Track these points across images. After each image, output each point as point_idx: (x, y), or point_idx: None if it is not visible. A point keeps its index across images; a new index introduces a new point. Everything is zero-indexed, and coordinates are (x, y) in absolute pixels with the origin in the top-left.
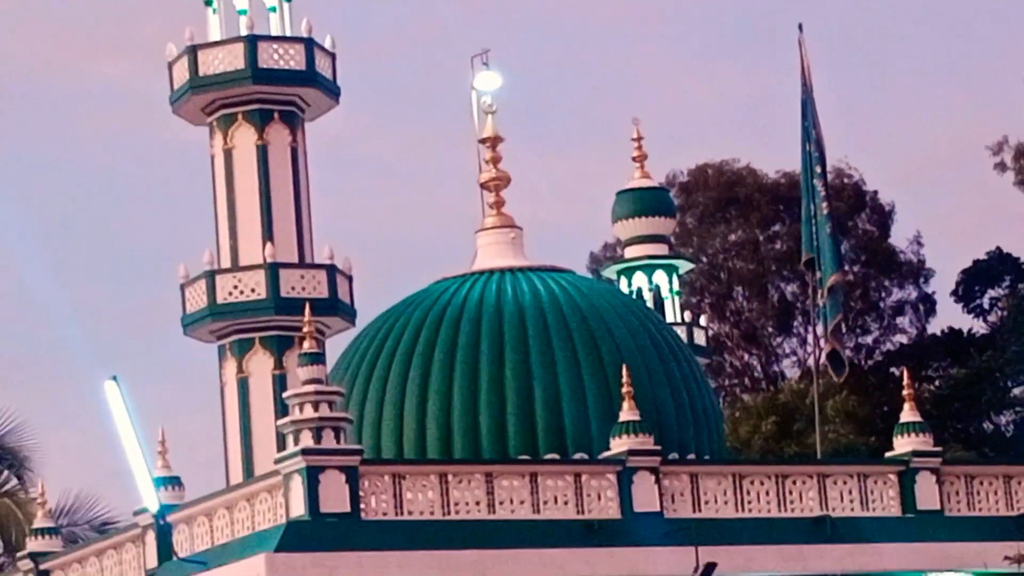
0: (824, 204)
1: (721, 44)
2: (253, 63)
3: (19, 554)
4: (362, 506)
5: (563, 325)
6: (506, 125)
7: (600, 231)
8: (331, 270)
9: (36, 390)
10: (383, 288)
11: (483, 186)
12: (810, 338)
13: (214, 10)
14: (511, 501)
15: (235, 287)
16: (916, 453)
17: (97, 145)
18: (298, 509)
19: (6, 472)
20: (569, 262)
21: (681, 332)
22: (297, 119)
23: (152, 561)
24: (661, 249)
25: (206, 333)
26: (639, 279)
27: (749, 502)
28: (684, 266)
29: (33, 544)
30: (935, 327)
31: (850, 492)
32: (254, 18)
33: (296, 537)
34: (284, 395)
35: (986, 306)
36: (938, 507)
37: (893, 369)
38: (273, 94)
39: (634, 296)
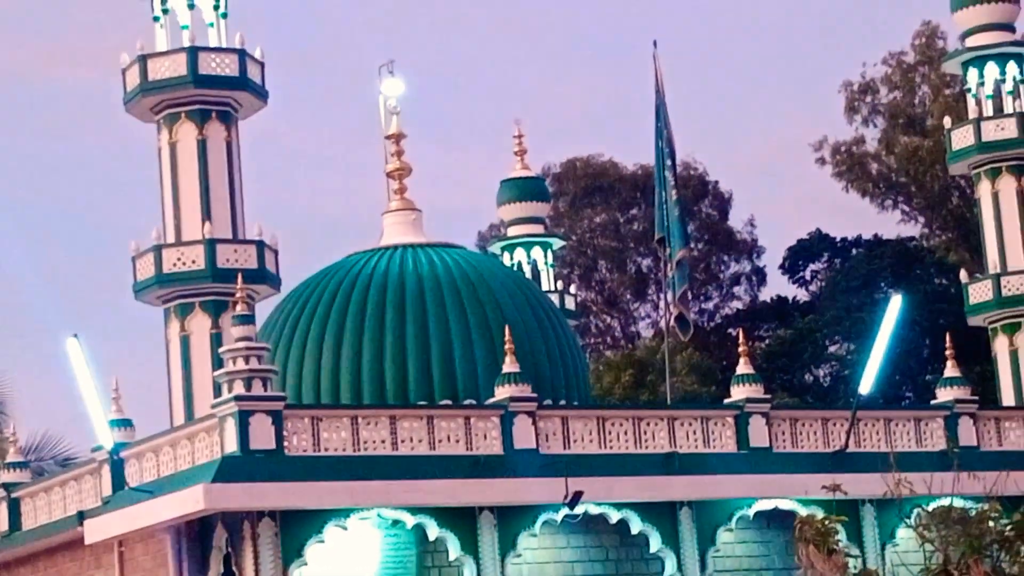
0: (674, 191)
1: (589, 58)
2: (194, 70)
3: None
4: (285, 444)
5: (455, 292)
6: (408, 124)
7: (487, 213)
8: (260, 245)
9: (9, 346)
10: (304, 260)
11: (388, 175)
12: (661, 304)
13: (161, 25)
14: (411, 439)
15: (178, 259)
16: (749, 399)
17: (61, 139)
18: (231, 446)
19: None
20: (461, 239)
21: (554, 298)
22: (231, 117)
23: (107, 490)
24: (538, 229)
25: (154, 298)
26: (519, 254)
27: (610, 440)
28: (557, 243)
29: (6, 476)
30: (765, 295)
31: (695, 432)
32: (195, 32)
33: (230, 470)
34: (220, 350)
35: (808, 278)
36: (767, 444)
37: (731, 330)
38: (211, 96)
39: (515, 268)
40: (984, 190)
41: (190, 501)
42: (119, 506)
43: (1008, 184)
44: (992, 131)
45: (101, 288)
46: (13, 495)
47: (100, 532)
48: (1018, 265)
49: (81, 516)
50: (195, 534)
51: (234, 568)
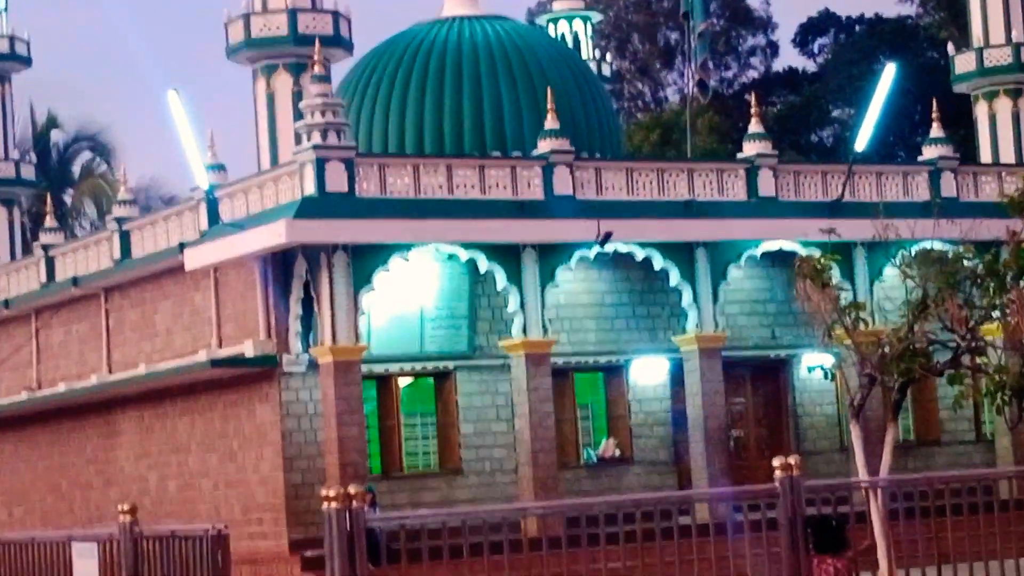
0: None
1: None
2: None
3: (108, 218)
4: (357, 187)
5: (506, 57)
6: None
7: None
8: (335, 14)
9: (119, 99)
10: (374, 29)
11: None
12: (686, 71)
13: None
14: (465, 185)
15: (265, 25)
16: (760, 155)
17: None
18: (310, 188)
19: (98, 159)
20: (512, 13)
21: (592, 66)
22: None
23: (204, 224)
24: (579, 4)
25: (243, 59)
26: (563, 26)
27: (638, 189)
28: (596, 17)
29: (118, 211)
30: (778, 65)
31: (711, 182)
32: None
33: (309, 208)
34: (300, 104)
35: (815, 51)
36: (774, 194)
37: (746, 96)
38: None
39: (559, 39)
40: None
41: (275, 234)
42: (214, 238)
43: None
44: None
45: (198, 51)
46: (124, 228)
47: (198, 260)
48: (999, 40)
49: (182, 246)
50: (279, 263)
51: (312, 293)
